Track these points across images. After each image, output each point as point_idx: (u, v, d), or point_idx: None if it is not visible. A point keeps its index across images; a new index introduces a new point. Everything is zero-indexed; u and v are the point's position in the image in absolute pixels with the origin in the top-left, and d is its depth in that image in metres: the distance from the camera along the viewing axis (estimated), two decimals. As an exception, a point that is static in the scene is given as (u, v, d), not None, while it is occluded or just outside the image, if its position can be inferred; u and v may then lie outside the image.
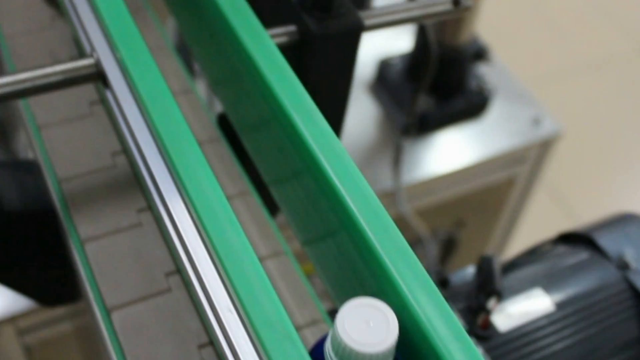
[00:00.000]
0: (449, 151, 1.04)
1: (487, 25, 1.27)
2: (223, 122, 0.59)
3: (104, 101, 0.55)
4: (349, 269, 0.41)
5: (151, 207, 0.49)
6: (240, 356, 0.36)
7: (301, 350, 0.34)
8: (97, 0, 0.49)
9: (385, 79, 1.08)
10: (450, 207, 1.09)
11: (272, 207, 0.56)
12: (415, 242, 1.01)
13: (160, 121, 0.44)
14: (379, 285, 0.38)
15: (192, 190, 0.41)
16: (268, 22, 0.49)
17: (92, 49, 0.48)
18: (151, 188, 0.44)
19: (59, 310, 0.85)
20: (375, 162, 1.00)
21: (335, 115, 0.54)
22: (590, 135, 1.72)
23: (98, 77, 0.48)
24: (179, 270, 0.47)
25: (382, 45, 1.13)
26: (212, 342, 0.44)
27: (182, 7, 0.59)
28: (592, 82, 1.89)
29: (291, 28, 0.50)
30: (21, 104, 0.57)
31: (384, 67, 1.08)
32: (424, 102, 1.04)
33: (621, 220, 0.64)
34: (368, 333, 0.35)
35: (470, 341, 0.34)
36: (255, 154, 0.52)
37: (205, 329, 0.45)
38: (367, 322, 0.35)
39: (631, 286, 0.59)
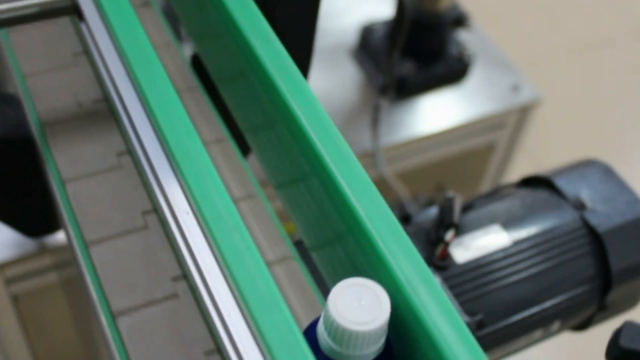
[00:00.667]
0: (429, 114, 1.06)
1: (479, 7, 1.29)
2: (196, 64, 0.61)
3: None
4: (341, 248, 0.42)
5: (130, 151, 0.52)
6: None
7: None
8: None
9: (368, 45, 1.10)
10: (431, 171, 1.12)
11: (244, 148, 0.59)
12: (395, 206, 1.04)
13: (140, 71, 0.46)
14: (370, 264, 0.39)
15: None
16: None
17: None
18: (132, 137, 0.47)
19: (45, 260, 0.88)
20: (355, 124, 1.02)
21: (302, 58, 0.56)
22: (575, 108, 1.75)
23: (74, 10, 0.50)
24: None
25: (365, 12, 1.15)
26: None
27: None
28: (583, 62, 1.92)
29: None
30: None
31: (366, 33, 1.10)
32: (405, 67, 1.06)
33: (581, 165, 0.67)
34: (360, 312, 0.35)
35: (462, 323, 0.35)
36: (230, 102, 0.54)
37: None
38: (359, 301, 0.35)
39: (586, 224, 0.61)
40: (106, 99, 0.55)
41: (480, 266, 0.58)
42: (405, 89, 1.07)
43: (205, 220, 0.40)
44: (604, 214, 0.62)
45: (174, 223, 0.43)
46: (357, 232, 0.39)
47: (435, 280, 0.36)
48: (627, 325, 0.33)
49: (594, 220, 0.61)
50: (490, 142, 1.14)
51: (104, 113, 0.54)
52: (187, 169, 0.41)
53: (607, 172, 0.65)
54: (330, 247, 0.43)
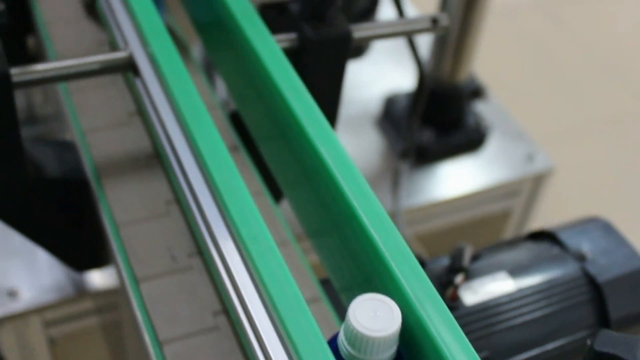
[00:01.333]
0: (448, 180, 1.12)
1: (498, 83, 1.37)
2: (235, 120, 0.68)
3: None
4: (358, 269, 0.49)
5: (179, 200, 0.58)
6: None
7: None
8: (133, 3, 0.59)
9: (391, 114, 1.17)
10: (448, 235, 1.18)
11: (277, 195, 0.65)
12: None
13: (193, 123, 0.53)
14: (384, 283, 0.46)
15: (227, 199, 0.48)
16: (274, 30, 0.59)
17: (126, 43, 0.58)
18: (181, 181, 0.53)
19: (84, 305, 0.94)
20: (377, 187, 1.09)
21: (330, 111, 0.63)
22: (590, 178, 1.80)
23: (130, 67, 0.58)
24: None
25: (389, 84, 1.23)
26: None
27: (205, 23, 0.70)
28: (600, 140, 1.98)
29: (292, 35, 0.61)
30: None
31: (389, 103, 1.18)
32: (425, 136, 1.13)
33: (583, 221, 0.72)
34: (375, 321, 0.41)
35: (462, 333, 0.41)
36: (267, 155, 0.61)
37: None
38: (374, 312, 0.41)
39: (587, 274, 0.67)
40: (157, 150, 0.62)
41: (487, 308, 0.63)
42: (424, 156, 1.14)
43: (251, 259, 0.45)
44: (604, 266, 0.67)
45: (220, 261, 0.48)
46: (382, 273, 0.45)
47: (440, 299, 0.42)
48: (602, 333, 0.39)
49: (593, 270, 0.67)
50: (506, 209, 1.20)
51: (153, 163, 0.61)
52: (238, 219, 0.47)
53: (607, 228, 0.71)
54: (357, 286, 0.49)
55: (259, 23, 0.58)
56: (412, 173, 1.12)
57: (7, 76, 0.53)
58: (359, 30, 0.62)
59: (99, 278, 0.91)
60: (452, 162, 1.15)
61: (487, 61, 1.70)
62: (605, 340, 0.38)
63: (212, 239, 0.49)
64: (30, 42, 0.80)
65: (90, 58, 0.57)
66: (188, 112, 0.53)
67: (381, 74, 1.26)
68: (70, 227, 0.63)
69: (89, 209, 0.61)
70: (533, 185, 1.19)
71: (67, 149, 0.62)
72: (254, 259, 0.45)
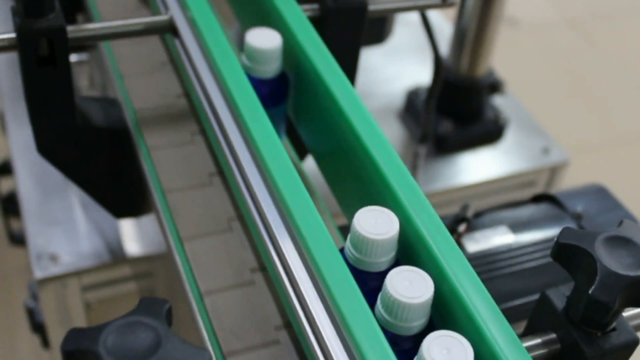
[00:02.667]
0: (465, 169, 1.18)
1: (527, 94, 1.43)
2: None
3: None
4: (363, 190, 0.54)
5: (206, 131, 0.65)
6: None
7: None
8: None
9: (412, 107, 1.24)
10: (466, 222, 1.23)
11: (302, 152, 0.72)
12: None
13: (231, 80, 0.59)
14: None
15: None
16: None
17: (167, 8, 0.66)
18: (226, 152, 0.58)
19: (122, 270, 1.01)
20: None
21: (349, 71, 0.70)
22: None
23: (170, 29, 0.66)
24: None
25: (412, 79, 1.30)
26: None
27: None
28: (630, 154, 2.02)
29: (315, 5, 0.68)
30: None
31: (411, 96, 1.25)
32: (445, 127, 1.20)
33: (583, 187, 0.78)
34: (376, 227, 0.46)
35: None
36: (292, 113, 0.68)
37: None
38: (375, 220, 0.47)
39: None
40: (193, 107, 0.69)
41: (487, 256, 0.69)
42: (444, 147, 1.20)
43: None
44: (598, 224, 0.73)
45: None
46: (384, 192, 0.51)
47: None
48: (566, 228, 0.44)
49: (588, 227, 0.72)
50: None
51: (190, 118, 0.69)
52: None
53: (603, 192, 0.76)
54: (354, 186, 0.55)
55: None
56: (432, 162, 1.18)
57: (64, 30, 0.61)
58: (374, 4, 0.70)
59: (135, 246, 0.99)
60: (471, 152, 1.21)
61: (516, 75, 1.75)
62: (568, 234, 0.44)
63: (254, 203, 0.53)
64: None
65: (135, 20, 0.65)
66: (225, 69, 0.60)
67: (405, 70, 1.33)
68: (112, 175, 0.70)
69: (130, 159, 0.69)
70: (549, 177, 1.24)
71: (112, 104, 0.70)
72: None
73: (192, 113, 0.69)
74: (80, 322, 1.05)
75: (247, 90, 0.58)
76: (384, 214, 0.48)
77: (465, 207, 0.72)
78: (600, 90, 2.27)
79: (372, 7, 0.69)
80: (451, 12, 1.20)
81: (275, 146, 0.53)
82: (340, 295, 0.44)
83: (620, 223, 0.45)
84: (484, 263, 0.69)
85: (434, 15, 1.34)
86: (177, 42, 0.66)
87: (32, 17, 0.60)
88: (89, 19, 0.83)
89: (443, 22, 1.39)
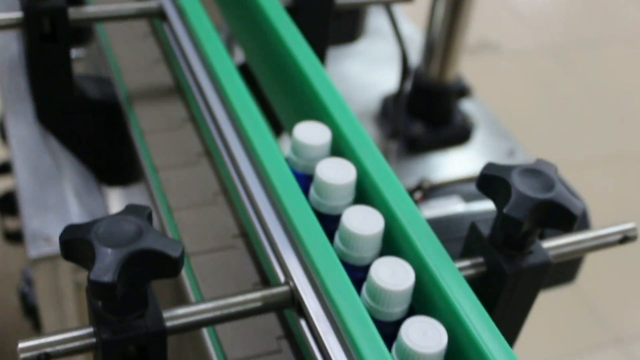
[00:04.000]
0: (435, 168, 1.27)
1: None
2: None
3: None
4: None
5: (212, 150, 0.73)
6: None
7: None
8: None
9: (387, 112, 1.33)
10: (436, 220, 1.31)
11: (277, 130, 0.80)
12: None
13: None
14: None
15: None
16: None
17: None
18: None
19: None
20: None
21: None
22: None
23: (159, 14, 0.74)
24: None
25: (387, 86, 1.39)
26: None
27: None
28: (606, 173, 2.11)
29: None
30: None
31: (386, 102, 1.33)
32: (416, 128, 1.28)
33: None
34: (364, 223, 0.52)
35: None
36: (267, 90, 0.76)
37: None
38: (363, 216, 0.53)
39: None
40: (180, 85, 0.77)
41: (440, 222, 0.77)
42: (415, 147, 1.28)
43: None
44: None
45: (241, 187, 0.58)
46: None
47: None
48: (489, 163, 0.52)
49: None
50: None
51: (176, 97, 0.77)
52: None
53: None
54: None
55: None
56: (404, 160, 1.27)
57: (65, 11, 0.69)
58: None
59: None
60: (440, 153, 1.30)
61: (497, 98, 1.84)
62: (490, 167, 0.52)
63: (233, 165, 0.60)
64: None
65: (128, 5, 0.73)
66: (210, 49, 0.68)
67: (382, 79, 1.42)
68: (105, 145, 0.78)
69: (120, 130, 0.77)
70: (513, 178, 1.32)
71: (105, 82, 0.78)
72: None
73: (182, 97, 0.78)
74: (71, 302, 1.11)
75: (232, 71, 0.66)
76: (372, 213, 0.54)
77: (422, 180, 0.80)
78: (578, 113, 2.37)
79: (340, 0, 0.78)
80: (422, 20, 1.29)
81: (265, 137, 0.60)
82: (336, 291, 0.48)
83: (536, 160, 0.53)
84: (436, 228, 0.76)
85: (405, 24, 1.43)
86: (166, 26, 0.74)
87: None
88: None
89: (415, 30, 1.49)
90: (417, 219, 0.53)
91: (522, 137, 1.59)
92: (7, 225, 1.41)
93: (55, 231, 1.07)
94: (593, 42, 2.74)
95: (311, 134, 0.57)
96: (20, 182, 1.14)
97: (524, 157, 1.32)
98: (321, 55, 0.81)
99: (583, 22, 2.87)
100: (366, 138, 0.59)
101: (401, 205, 0.54)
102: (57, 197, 1.13)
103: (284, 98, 0.71)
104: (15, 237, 1.39)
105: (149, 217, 0.45)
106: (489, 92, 1.56)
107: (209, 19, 0.71)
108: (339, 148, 0.59)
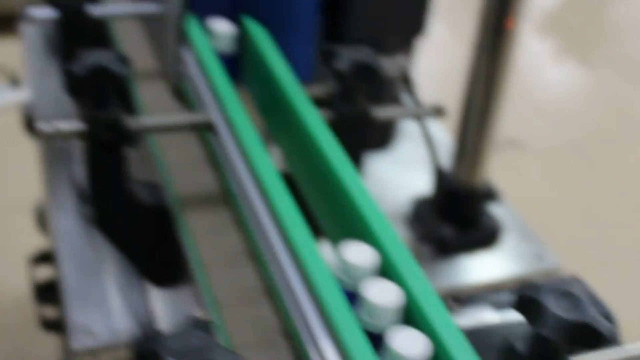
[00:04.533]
0: (465, 270, 1.29)
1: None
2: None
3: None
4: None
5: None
6: None
7: None
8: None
9: (418, 214, 1.36)
10: (465, 321, 1.33)
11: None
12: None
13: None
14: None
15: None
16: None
17: (205, 109, 0.79)
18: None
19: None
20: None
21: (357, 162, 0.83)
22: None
23: (208, 126, 0.79)
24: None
25: (417, 187, 1.42)
26: None
27: (266, 105, 0.91)
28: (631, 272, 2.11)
29: (331, 112, 0.82)
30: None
31: (417, 204, 1.37)
32: (445, 231, 1.31)
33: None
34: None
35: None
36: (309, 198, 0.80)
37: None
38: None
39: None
40: (227, 194, 0.82)
41: (473, 332, 0.80)
42: (444, 250, 1.31)
43: None
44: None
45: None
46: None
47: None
48: (521, 287, 0.56)
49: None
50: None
51: (225, 204, 0.82)
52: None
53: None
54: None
55: (306, 99, 0.80)
56: (434, 263, 1.29)
57: (122, 122, 0.75)
58: (379, 111, 0.83)
59: (166, 325, 1.09)
60: (470, 255, 1.32)
61: (522, 195, 1.87)
62: (526, 289, 0.56)
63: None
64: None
65: (180, 116, 0.79)
66: (257, 160, 0.73)
67: (412, 180, 1.46)
68: (155, 247, 0.82)
69: (169, 232, 0.81)
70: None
71: (155, 186, 0.83)
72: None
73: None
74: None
75: (277, 180, 0.70)
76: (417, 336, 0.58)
77: (457, 289, 0.83)
78: (602, 213, 2.38)
79: (375, 113, 0.83)
80: (452, 125, 1.34)
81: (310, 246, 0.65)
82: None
83: (567, 278, 0.56)
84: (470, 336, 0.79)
85: (435, 128, 1.48)
86: (214, 137, 0.79)
87: (97, 110, 0.74)
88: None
89: (444, 134, 1.54)
90: (462, 346, 0.56)
91: (548, 235, 1.62)
92: (44, 313, 1.44)
93: (97, 325, 1.10)
94: (615, 139, 2.77)
95: (357, 253, 0.61)
96: (64, 274, 1.19)
97: (552, 261, 1.34)
98: (358, 165, 0.85)
99: (605, 119, 2.92)
100: (411, 260, 0.62)
101: (447, 330, 0.57)
102: (100, 291, 1.17)
103: (326, 209, 0.75)
104: (52, 326, 1.42)
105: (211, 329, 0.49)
106: (514, 189, 1.59)
107: (256, 131, 0.76)
108: (384, 269, 0.62)
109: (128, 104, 0.96)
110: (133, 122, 0.76)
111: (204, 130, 0.81)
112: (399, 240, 0.63)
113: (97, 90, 0.73)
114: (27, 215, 2.28)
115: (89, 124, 0.74)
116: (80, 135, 0.75)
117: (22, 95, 2.92)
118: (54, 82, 1.58)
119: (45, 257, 1.45)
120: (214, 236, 0.76)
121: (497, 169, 1.60)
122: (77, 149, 1.34)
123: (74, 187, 1.32)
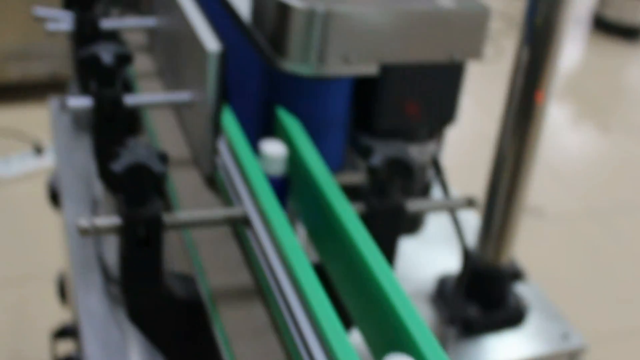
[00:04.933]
0: (491, 351, 1.28)
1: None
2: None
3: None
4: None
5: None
6: None
7: None
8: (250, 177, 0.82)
9: (442, 293, 1.36)
10: (491, 402, 1.31)
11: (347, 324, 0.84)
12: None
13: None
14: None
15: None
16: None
17: (240, 202, 0.80)
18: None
19: None
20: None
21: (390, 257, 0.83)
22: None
23: (243, 220, 0.80)
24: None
25: (442, 266, 1.42)
26: None
27: (297, 192, 0.92)
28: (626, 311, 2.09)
29: (363, 205, 0.82)
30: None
31: (441, 283, 1.37)
32: (471, 311, 1.31)
33: None
34: None
35: None
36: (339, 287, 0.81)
37: None
38: None
39: None
40: (262, 289, 0.82)
41: None
42: (470, 329, 1.30)
43: None
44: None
45: None
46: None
47: None
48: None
49: None
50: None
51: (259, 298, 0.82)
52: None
53: None
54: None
55: (340, 193, 0.80)
56: (460, 343, 1.28)
57: (160, 219, 0.75)
58: (412, 204, 0.84)
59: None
60: (495, 335, 1.32)
61: (540, 264, 1.87)
62: None
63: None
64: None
65: (216, 211, 0.79)
66: (292, 255, 0.73)
67: (435, 258, 1.46)
68: (189, 341, 0.82)
69: (205, 328, 0.81)
70: (569, 361, 1.33)
71: (189, 280, 0.84)
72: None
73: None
74: None
75: (312, 275, 0.71)
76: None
77: None
78: (623, 281, 2.37)
79: (410, 207, 0.84)
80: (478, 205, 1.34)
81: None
82: None
83: None
84: None
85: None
86: (249, 231, 0.80)
87: (135, 206, 0.75)
88: (167, 204, 0.99)
89: (471, 214, 1.54)
90: None
91: (564, 302, 1.60)
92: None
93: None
94: (635, 205, 2.77)
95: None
96: (88, 353, 1.19)
97: (578, 340, 1.33)
98: (391, 258, 0.85)
99: (624, 185, 2.92)
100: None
101: None
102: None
103: (360, 306, 0.75)
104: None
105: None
106: (532, 257, 1.58)
107: (290, 225, 0.77)
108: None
109: (164, 198, 0.98)
110: (170, 218, 0.77)
111: (239, 224, 0.82)
112: (439, 349, 0.63)
113: (135, 187, 0.74)
114: (47, 284, 2.29)
115: (127, 221, 0.74)
116: (117, 230, 0.75)
117: (45, 162, 2.96)
118: (80, 158, 1.61)
119: (66, 332, 1.45)
120: (249, 333, 0.76)
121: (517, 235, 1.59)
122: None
123: (100, 264, 1.32)
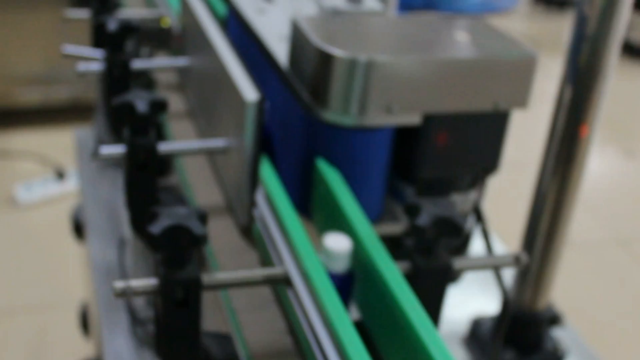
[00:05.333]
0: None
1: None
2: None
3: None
4: None
5: None
6: None
7: None
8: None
9: (476, 335, 1.32)
10: None
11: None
12: None
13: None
14: None
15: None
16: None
17: (281, 260, 0.77)
18: None
19: None
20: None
21: (435, 318, 0.80)
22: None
23: (285, 280, 0.77)
24: None
25: (474, 306, 1.39)
26: None
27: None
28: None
29: (408, 264, 0.79)
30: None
31: (476, 325, 1.33)
32: (508, 356, 1.27)
33: None
34: None
35: None
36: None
37: None
38: None
39: None
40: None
41: None
42: (507, 376, 1.27)
43: None
44: None
45: None
46: None
47: None
48: None
49: None
50: None
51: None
52: None
53: None
54: None
55: (382, 248, 0.77)
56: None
57: (199, 280, 0.72)
58: (458, 263, 0.81)
59: None
60: (532, 381, 1.28)
61: (565, 293, 1.84)
62: None
63: None
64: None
65: (256, 271, 0.77)
66: (335, 317, 0.70)
67: (469, 299, 1.42)
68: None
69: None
70: (608, 410, 1.29)
71: (226, 339, 0.81)
72: None
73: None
74: None
75: (357, 342, 0.68)
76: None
77: None
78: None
79: (456, 265, 0.80)
80: (515, 245, 1.31)
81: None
82: None
83: None
84: None
85: (499, 248, 1.45)
86: (290, 291, 0.77)
87: (173, 268, 0.73)
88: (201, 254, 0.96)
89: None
90: None
91: (596, 331, 1.56)
92: None
93: None
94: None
95: None
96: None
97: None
98: (436, 318, 0.82)
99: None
100: None
101: None
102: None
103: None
104: None
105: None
106: (561, 287, 1.54)
107: (331, 284, 0.74)
108: None
109: (202, 257, 0.95)
110: (209, 279, 0.74)
111: (279, 285, 0.79)
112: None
113: (174, 249, 0.71)
114: (68, 313, 2.27)
115: (165, 283, 0.72)
116: (154, 292, 0.73)
117: (67, 187, 2.94)
118: (105, 192, 1.59)
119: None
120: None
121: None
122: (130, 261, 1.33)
123: (127, 304, 1.30)
